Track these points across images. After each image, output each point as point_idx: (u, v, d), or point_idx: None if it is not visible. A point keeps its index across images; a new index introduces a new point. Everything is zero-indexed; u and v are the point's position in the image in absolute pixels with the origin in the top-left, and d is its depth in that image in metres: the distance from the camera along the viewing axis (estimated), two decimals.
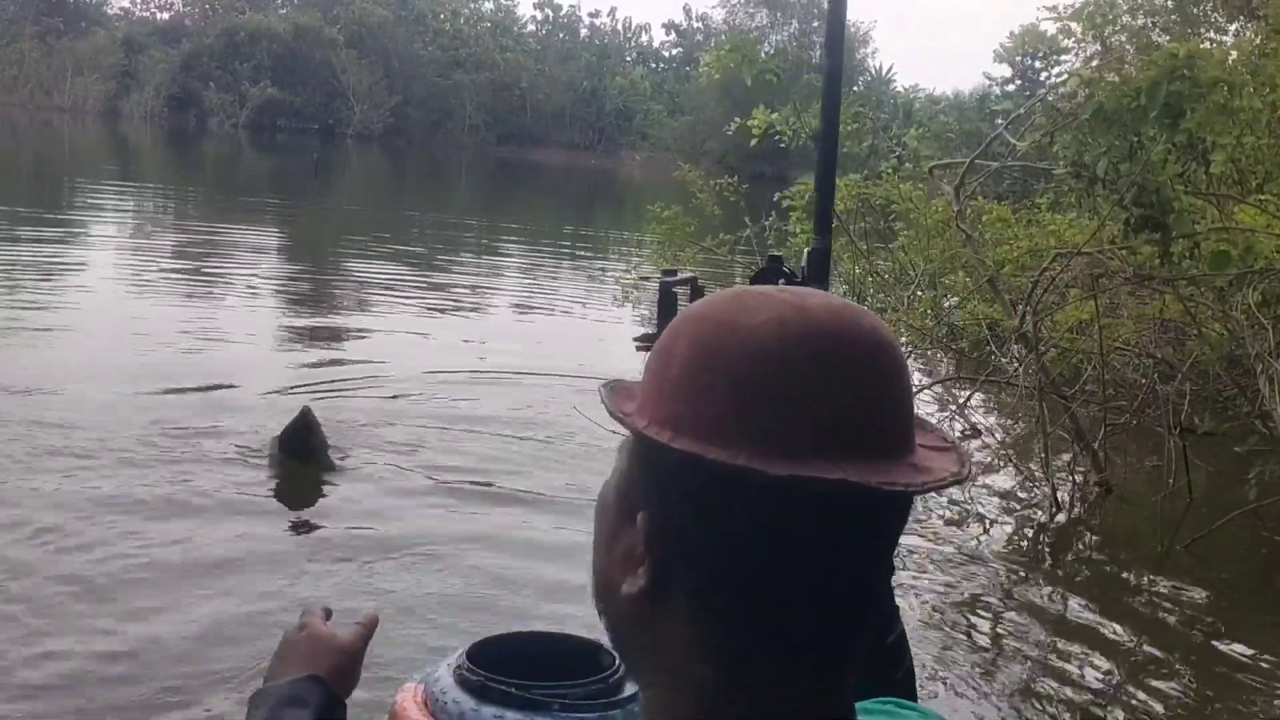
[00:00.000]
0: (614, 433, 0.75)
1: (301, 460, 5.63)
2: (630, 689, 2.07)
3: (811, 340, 0.64)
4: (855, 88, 55.30)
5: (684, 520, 0.66)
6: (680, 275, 0.75)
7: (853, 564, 0.67)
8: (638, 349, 0.74)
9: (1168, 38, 9.24)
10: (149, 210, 20.18)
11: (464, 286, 13.72)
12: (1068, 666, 4.43)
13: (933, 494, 5.58)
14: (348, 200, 25.84)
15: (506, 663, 2.09)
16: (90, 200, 20.15)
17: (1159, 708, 4.18)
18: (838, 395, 0.64)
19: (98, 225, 16.51)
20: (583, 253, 19.87)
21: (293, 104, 58.99)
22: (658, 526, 0.67)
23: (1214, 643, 4.94)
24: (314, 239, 16.38)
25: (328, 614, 1.26)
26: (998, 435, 7.79)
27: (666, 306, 0.71)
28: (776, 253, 0.75)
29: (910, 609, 4.74)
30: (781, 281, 0.78)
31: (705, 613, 0.67)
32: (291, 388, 7.30)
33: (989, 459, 7.29)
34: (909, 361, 8.84)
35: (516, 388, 8.04)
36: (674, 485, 0.66)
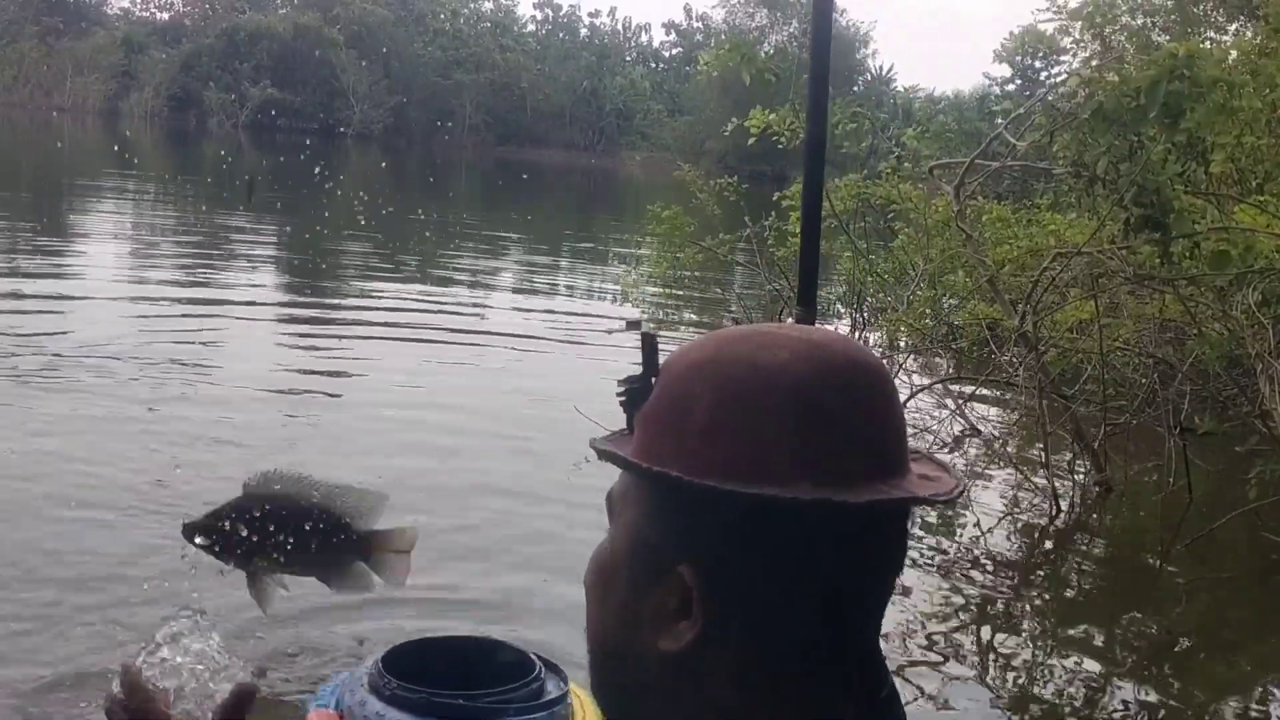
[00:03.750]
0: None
1: None
2: (554, 690, 2.04)
3: (839, 373, 0.66)
4: (855, 88, 55.28)
5: (737, 562, 0.66)
6: (643, 324, 0.76)
7: (889, 574, 0.70)
8: (622, 400, 0.73)
9: (1167, 37, 9.24)
10: (142, 214, 20.16)
11: (463, 302, 13.70)
12: (1067, 666, 4.43)
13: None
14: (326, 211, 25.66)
15: (419, 673, 2.04)
16: (85, 204, 20.14)
17: (1158, 707, 4.18)
18: (871, 422, 0.67)
19: (88, 231, 16.50)
20: (581, 267, 19.81)
21: (293, 104, 58.92)
22: (707, 574, 0.66)
23: (1213, 642, 4.95)
24: (303, 252, 16.29)
25: (126, 671, 0.92)
26: (998, 435, 7.79)
27: (651, 354, 0.70)
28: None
29: (909, 609, 4.74)
30: None
31: (757, 650, 0.67)
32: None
33: (989, 459, 7.29)
34: (909, 361, 8.87)
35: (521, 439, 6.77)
36: (724, 529, 0.66)
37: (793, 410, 0.65)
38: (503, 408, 7.49)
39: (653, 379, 0.70)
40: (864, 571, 0.68)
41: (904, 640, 4.42)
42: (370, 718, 1.88)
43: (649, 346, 0.71)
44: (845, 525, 0.65)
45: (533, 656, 2.17)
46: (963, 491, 0.69)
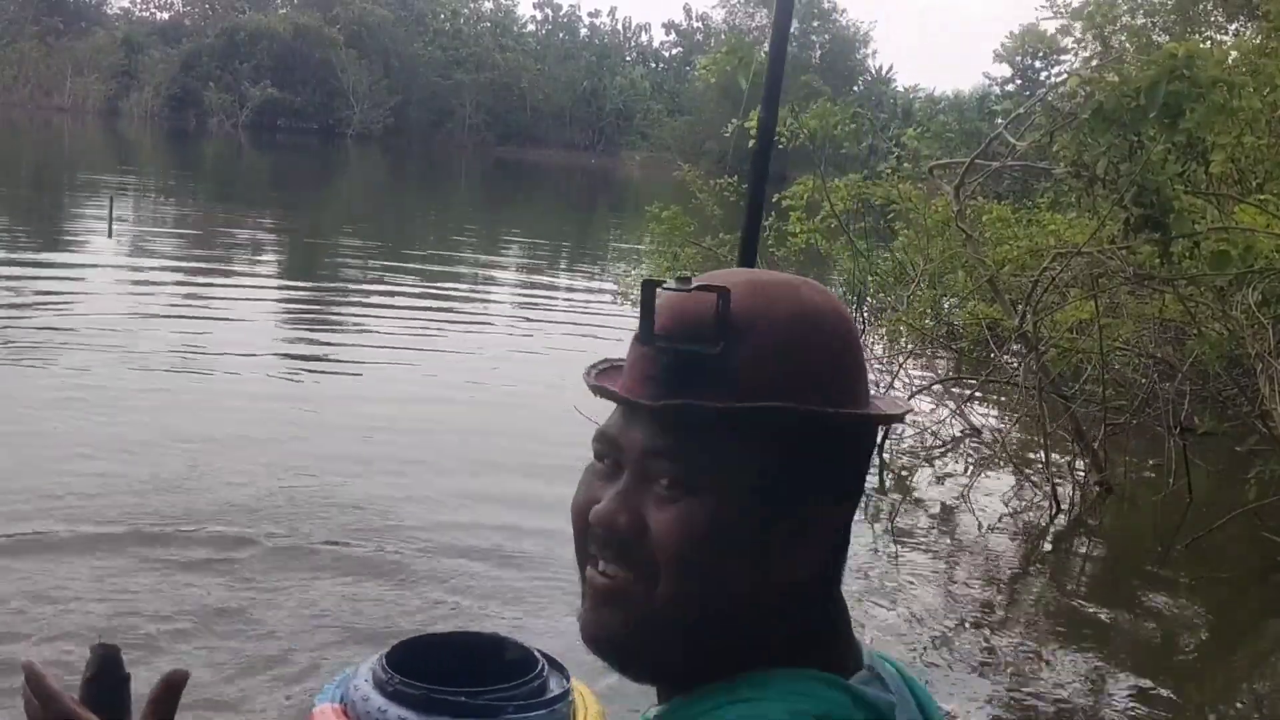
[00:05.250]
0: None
1: None
2: (556, 688, 2.04)
3: (846, 313, 0.77)
4: (855, 88, 55.31)
5: (857, 478, 0.76)
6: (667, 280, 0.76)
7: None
8: (694, 359, 0.72)
9: (1167, 37, 9.25)
10: (141, 215, 20.15)
11: (460, 303, 13.69)
12: (1067, 665, 4.43)
13: (933, 496, 5.56)
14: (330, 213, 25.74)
15: (422, 669, 2.04)
16: (85, 206, 20.14)
17: (1158, 707, 4.18)
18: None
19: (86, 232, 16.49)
20: (582, 266, 19.81)
21: (293, 104, 58.89)
22: (838, 497, 0.74)
23: (1213, 642, 4.94)
24: (305, 255, 16.33)
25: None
26: (998, 435, 7.79)
27: (725, 312, 0.71)
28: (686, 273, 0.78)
29: (910, 608, 4.74)
30: None
31: (835, 567, 0.76)
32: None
33: (989, 459, 7.29)
34: (910, 361, 8.85)
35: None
36: (856, 452, 0.75)
37: (856, 341, 0.76)
38: (500, 393, 7.55)
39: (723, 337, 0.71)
40: (860, 485, 0.78)
41: (903, 640, 4.42)
42: (373, 713, 1.88)
43: (725, 305, 0.71)
44: (869, 437, 0.77)
45: (536, 654, 2.16)
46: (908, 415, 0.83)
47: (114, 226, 13.31)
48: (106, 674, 0.87)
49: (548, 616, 4.19)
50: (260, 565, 4.47)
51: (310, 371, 8.08)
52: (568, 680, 2.12)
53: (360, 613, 4.16)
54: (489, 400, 7.67)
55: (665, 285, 0.74)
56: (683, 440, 0.71)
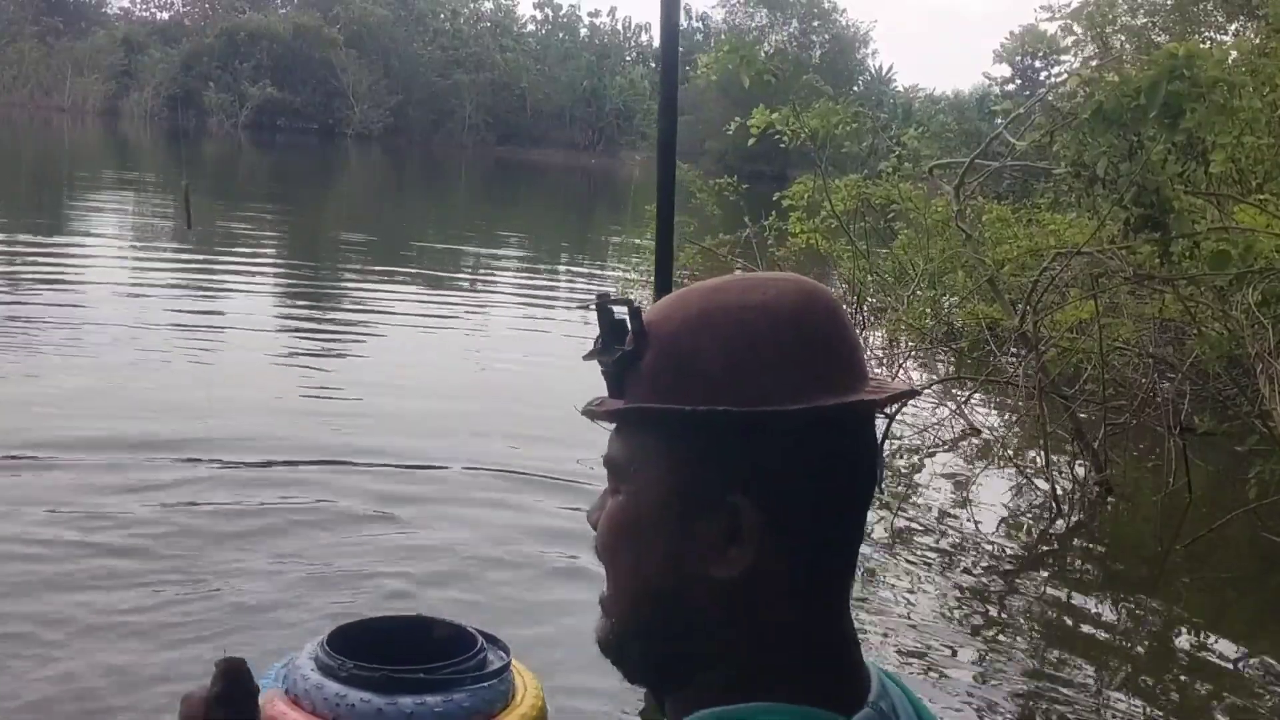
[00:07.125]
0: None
1: None
2: (496, 661, 2.08)
3: (815, 299, 0.75)
4: (855, 88, 55.27)
5: (780, 477, 0.72)
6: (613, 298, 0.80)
7: (872, 474, 0.76)
8: (609, 369, 0.77)
9: (1167, 37, 9.25)
10: (142, 214, 20.14)
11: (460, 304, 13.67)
12: (1067, 665, 4.43)
13: (933, 496, 5.57)
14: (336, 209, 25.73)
15: (362, 653, 2.06)
16: (86, 206, 20.12)
17: (1157, 707, 4.18)
18: (848, 336, 0.76)
19: (87, 232, 16.48)
20: (582, 263, 19.83)
21: (292, 104, 58.84)
22: (755, 496, 0.72)
23: (1213, 642, 4.94)
24: (306, 251, 16.35)
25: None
26: (998, 436, 7.79)
27: (637, 321, 0.77)
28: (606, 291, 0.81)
29: (909, 609, 4.74)
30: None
31: (807, 565, 0.73)
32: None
33: (989, 459, 7.29)
34: (911, 360, 8.83)
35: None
36: (766, 450, 0.72)
37: (794, 335, 0.72)
38: (499, 387, 7.58)
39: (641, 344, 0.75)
40: (869, 468, 0.75)
41: (904, 640, 4.42)
42: (330, 699, 1.86)
43: (636, 315, 0.76)
44: (852, 427, 0.74)
45: (472, 631, 2.19)
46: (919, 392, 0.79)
47: (190, 217, 13.85)
48: (235, 687, 0.85)
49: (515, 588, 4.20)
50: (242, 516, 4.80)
51: (308, 352, 8.13)
52: (507, 653, 2.15)
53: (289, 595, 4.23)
54: (488, 379, 7.87)
55: (586, 306, 0.78)
56: (612, 444, 0.77)
